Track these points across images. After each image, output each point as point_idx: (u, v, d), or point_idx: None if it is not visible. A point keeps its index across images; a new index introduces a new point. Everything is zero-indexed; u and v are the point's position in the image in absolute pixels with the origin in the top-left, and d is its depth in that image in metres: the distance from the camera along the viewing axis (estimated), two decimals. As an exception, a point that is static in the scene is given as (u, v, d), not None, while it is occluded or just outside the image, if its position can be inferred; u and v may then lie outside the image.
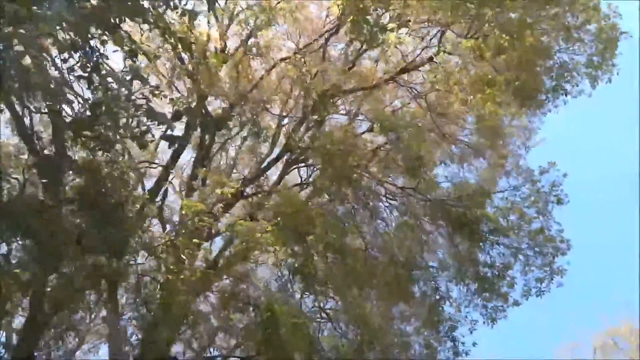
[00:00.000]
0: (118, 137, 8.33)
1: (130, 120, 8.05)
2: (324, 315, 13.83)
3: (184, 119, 16.54)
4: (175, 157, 16.06)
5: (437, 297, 14.09)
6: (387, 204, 14.22)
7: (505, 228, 12.52)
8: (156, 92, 9.79)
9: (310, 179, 15.75)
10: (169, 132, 10.73)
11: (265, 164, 15.89)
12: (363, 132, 15.08)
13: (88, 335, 18.44)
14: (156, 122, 8.53)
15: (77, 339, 17.52)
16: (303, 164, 16.15)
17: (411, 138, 11.90)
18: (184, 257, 11.15)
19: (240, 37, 14.33)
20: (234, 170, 17.11)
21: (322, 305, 13.05)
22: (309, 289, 11.59)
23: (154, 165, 14.99)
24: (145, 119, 8.21)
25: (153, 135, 9.22)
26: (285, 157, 16.42)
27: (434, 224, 13.11)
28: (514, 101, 12.64)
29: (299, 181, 16.57)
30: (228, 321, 12.00)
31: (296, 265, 11.14)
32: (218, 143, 17.45)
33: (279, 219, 11.12)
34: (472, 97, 12.35)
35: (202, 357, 19.62)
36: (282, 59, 14.71)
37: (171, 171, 15.13)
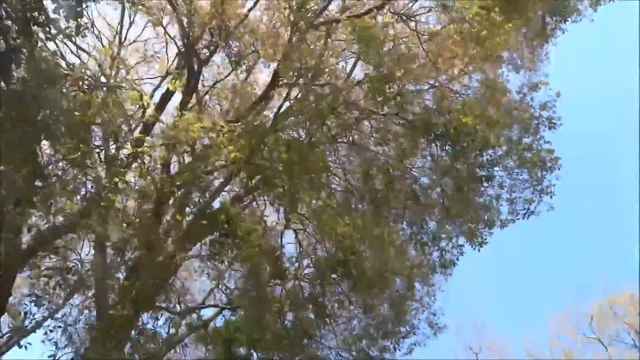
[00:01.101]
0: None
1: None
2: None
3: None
4: (164, 102, 15.50)
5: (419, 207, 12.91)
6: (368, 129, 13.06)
7: (489, 140, 11.33)
8: None
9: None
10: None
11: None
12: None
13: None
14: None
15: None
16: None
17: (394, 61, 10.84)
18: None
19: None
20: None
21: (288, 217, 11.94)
22: (269, 193, 10.58)
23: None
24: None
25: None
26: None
27: (414, 140, 12.00)
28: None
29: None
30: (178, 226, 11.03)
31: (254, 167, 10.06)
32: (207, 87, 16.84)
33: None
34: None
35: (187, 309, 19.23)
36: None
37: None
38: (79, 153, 9.05)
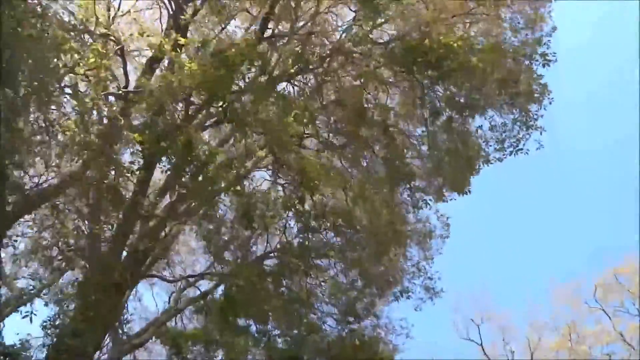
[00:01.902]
0: None
1: None
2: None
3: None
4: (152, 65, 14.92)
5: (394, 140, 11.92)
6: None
7: (473, 63, 10.26)
8: None
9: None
10: None
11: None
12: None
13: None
14: None
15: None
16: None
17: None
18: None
19: None
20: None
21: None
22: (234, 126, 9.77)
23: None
24: None
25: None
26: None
27: (392, 67, 11.08)
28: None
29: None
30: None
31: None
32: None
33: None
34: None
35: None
36: None
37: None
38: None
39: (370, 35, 11.13)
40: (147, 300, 21.68)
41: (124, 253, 13.41)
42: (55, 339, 11.84)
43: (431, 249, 18.48)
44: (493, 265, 35.57)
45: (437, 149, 11.71)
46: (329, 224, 11.70)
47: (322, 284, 14.61)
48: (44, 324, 12.19)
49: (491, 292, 32.28)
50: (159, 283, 21.20)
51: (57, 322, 12.09)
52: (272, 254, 15.75)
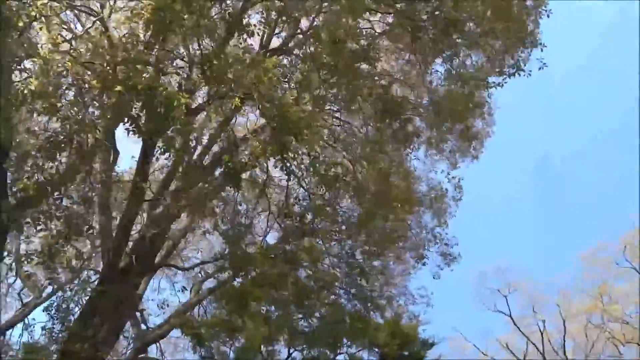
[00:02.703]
0: None
1: None
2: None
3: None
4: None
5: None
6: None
7: None
8: None
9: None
10: None
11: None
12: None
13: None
14: None
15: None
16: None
17: None
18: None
19: None
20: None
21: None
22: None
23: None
24: None
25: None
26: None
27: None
28: None
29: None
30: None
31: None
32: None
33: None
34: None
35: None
36: None
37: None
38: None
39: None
40: (168, 292, 21.21)
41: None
42: (62, 325, 11.24)
43: (444, 213, 17.44)
44: (518, 235, 34.29)
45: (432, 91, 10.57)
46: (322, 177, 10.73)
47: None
48: (48, 307, 11.57)
49: (517, 262, 30.79)
50: (181, 276, 20.67)
51: (63, 306, 11.45)
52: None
